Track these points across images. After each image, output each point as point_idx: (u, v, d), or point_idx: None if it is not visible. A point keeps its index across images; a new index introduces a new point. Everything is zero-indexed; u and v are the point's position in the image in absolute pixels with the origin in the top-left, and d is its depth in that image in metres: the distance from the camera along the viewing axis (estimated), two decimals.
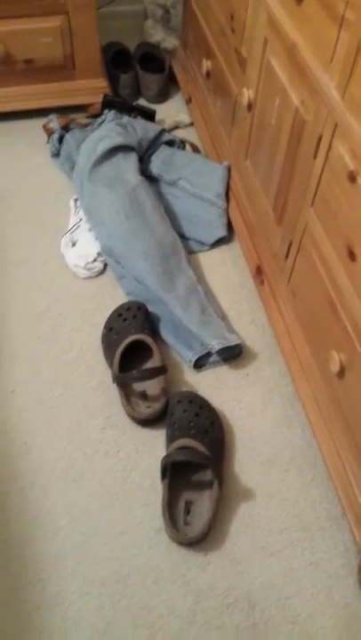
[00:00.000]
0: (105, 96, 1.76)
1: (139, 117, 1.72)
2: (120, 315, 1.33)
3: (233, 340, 1.30)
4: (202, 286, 1.41)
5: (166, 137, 1.69)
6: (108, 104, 1.75)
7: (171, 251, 1.43)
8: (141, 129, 1.63)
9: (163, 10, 2.07)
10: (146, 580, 1.06)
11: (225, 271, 1.52)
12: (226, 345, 1.29)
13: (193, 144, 1.75)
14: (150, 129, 1.65)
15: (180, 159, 1.65)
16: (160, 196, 1.58)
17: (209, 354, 1.31)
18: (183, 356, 1.33)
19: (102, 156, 1.52)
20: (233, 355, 1.33)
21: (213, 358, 1.32)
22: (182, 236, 1.55)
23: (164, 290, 1.35)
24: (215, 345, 1.29)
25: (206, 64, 1.62)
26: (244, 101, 1.31)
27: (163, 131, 1.69)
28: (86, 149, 1.56)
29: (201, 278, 1.46)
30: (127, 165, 1.52)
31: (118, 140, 1.54)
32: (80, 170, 1.55)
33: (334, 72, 0.92)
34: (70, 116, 1.74)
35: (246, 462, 1.20)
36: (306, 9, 0.99)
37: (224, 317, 1.40)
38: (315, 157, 1.01)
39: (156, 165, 1.62)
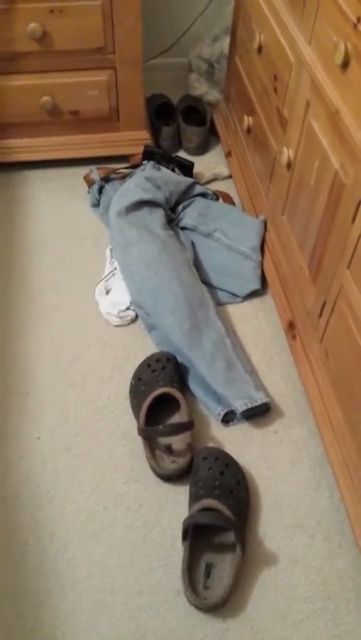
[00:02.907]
0: (146, 147, 1.80)
1: (176, 169, 1.75)
2: (149, 365, 1.32)
3: (259, 400, 1.28)
4: (230, 339, 1.40)
5: (198, 189, 1.70)
6: (148, 155, 1.78)
7: (199, 304, 1.42)
8: (172, 182, 1.65)
9: (207, 64, 2.12)
10: None
11: (256, 324, 1.51)
12: (251, 406, 1.27)
13: (226, 194, 1.77)
14: (182, 181, 1.68)
15: (216, 211, 1.67)
16: (195, 247, 1.59)
17: None
18: (211, 410, 1.32)
19: (128, 208, 1.54)
20: (260, 413, 1.31)
21: (242, 416, 1.30)
22: (215, 288, 1.55)
23: (190, 347, 1.34)
24: (239, 406, 1.27)
25: (247, 120, 1.64)
26: (284, 160, 1.32)
27: (195, 183, 1.71)
28: (115, 200, 1.59)
29: (230, 330, 1.45)
30: (152, 220, 1.54)
31: (144, 195, 1.56)
32: (110, 218, 1.58)
33: None
34: (111, 167, 1.78)
35: (271, 525, 1.17)
36: (350, 76, 1.00)
37: (252, 372, 1.38)
38: (353, 221, 1.01)
39: (192, 217, 1.63)
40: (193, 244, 1.59)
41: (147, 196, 1.56)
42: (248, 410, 1.27)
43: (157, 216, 1.56)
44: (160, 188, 1.62)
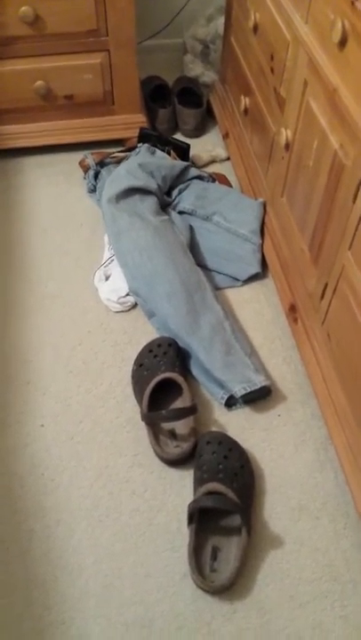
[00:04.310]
0: (141, 129, 1.78)
1: (172, 152, 1.73)
2: (151, 351, 1.32)
3: (258, 383, 1.28)
4: (229, 322, 1.39)
5: (194, 172, 1.68)
6: (143, 137, 1.77)
7: (196, 288, 1.41)
8: (166, 167, 1.63)
9: (202, 45, 2.10)
10: (170, 627, 1.04)
11: (258, 308, 1.50)
12: (250, 390, 1.27)
13: (222, 176, 1.75)
14: (176, 165, 1.65)
15: (213, 194, 1.65)
16: (193, 231, 1.58)
17: None
18: (214, 395, 1.31)
19: (118, 195, 1.53)
20: (260, 396, 1.31)
21: (242, 400, 1.30)
22: (215, 272, 1.55)
23: (187, 332, 1.34)
24: (238, 391, 1.27)
25: (244, 101, 1.63)
26: (282, 141, 1.31)
27: (189, 166, 1.69)
28: (106, 187, 1.58)
29: (229, 313, 1.44)
30: (144, 207, 1.52)
31: (135, 182, 1.54)
32: (102, 206, 1.57)
33: None
34: (105, 151, 1.76)
35: (276, 508, 1.17)
36: (348, 54, 0.99)
37: (252, 354, 1.37)
38: (354, 201, 1.00)
39: (189, 201, 1.62)
40: (191, 227, 1.58)
41: (138, 183, 1.54)
42: (247, 394, 1.27)
43: (149, 203, 1.54)
44: (153, 174, 1.60)
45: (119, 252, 1.49)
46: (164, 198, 1.62)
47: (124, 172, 1.58)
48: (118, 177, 1.57)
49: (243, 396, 1.27)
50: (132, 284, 1.45)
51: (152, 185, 1.57)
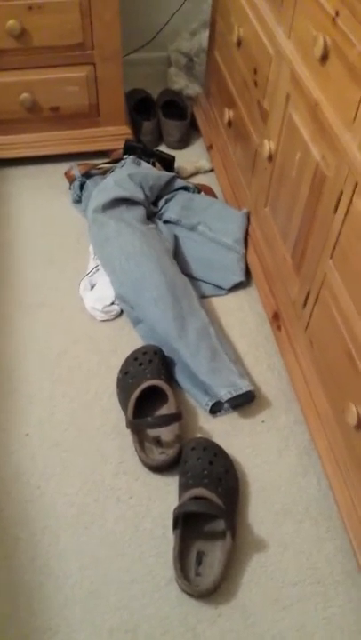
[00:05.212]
0: (127, 141, 1.80)
1: (157, 164, 1.75)
2: (136, 359, 1.33)
3: (243, 387, 1.29)
4: (214, 328, 1.41)
5: (180, 183, 1.71)
6: (129, 149, 1.79)
7: (182, 293, 1.43)
8: (153, 177, 1.65)
9: (186, 58, 2.13)
10: (155, 632, 1.04)
11: (242, 316, 1.53)
12: (235, 394, 1.28)
13: (207, 187, 1.78)
14: (163, 176, 1.68)
15: (198, 204, 1.68)
16: (178, 240, 1.61)
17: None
18: (199, 401, 1.33)
19: (105, 205, 1.54)
20: (245, 401, 1.33)
21: (228, 405, 1.32)
22: (200, 280, 1.57)
23: (174, 337, 1.35)
24: (224, 395, 1.28)
25: (228, 113, 1.66)
26: (265, 152, 1.33)
27: (175, 177, 1.71)
28: (93, 197, 1.59)
29: (214, 320, 1.46)
30: (130, 215, 1.54)
31: (122, 193, 1.56)
32: (88, 215, 1.58)
33: (356, 132, 0.94)
34: (91, 163, 1.78)
35: (260, 512, 1.19)
36: (329, 69, 1.02)
37: (237, 360, 1.39)
38: (335, 212, 1.03)
39: (175, 211, 1.64)
40: (176, 237, 1.60)
41: (125, 194, 1.56)
42: (233, 398, 1.29)
43: (136, 212, 1.56)
44: (141, 185, 1.62)
45: (106, 258, 1.50)
46: (151, 208, 1.64)
47: (112, 182, 1.60)
48: (106, 188, 1.59)
49: (228, 401, 1.29)
50: (120, 290, 1.47)
51: (139, 195, 1.59)
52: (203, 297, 1.54)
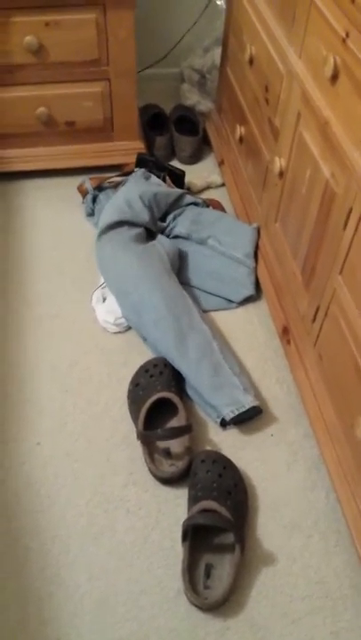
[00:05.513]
0: (139, 155, 1.83)
1: (167, 178, 1.77)
2: (147, 371, 1.35)
3: (247, 404, 1.30)
4: (217, 342, 1.40)
5: (188, 199, 1.72)
6: (140, 162, 1.81)
7: (182, 311, 1.43)
8: (162, 194, 1.67)
9: (199, 75, 2.16)
10: None
11: (251, 329, 1.54)
12: (238, 412, 1.28)
13: (216, 201, 1.80)
14: (172, 193, 1.69)
15: (208, 218, 1.69)
16: (187, 255, 1.62)
17: None
18: (209, 415, 1.34)
19: (107, 227, 1.56)
20: (251, 416, 1.32)
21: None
22: (210, 294, 1.58)
23: (175, 356, 1.36)
24: (226, 415, 1.29)
25: (240, 129, 1.68)
26: (276, 169, 1.35)
27: (184, 194, 1.73)
28: (102, 215, 1.61)
29: (217, 334, 1.46)
30: (129, 236, 1.55)
31: (124, 216, 1.57)
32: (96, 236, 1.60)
33: None
34: (103, 176, 1.80)
35: (269, 525, 1.19)
36: (339, 89, 1.04)
37: (241, 373, 1.38)
38: (344, 228, 1.04)
39: (184, 225, 1.66)
40: (182, 251, 1.62)
41: (127, 217, 1.57)
42: (236, 417, 1.29)
43: (135, 232, 1.57)
44: (149, 205, 1.62)
45: (107, 280, 1.53)
46: (158, 224, 1.66)
47: (122, 199, 1.61)
48: (113, 206, 1.61)
49: (232, 419, 1.29)
50: (123, 312, 1.49)
51: (144, 217, 1.60)
52: (213, 310, 1.55)
